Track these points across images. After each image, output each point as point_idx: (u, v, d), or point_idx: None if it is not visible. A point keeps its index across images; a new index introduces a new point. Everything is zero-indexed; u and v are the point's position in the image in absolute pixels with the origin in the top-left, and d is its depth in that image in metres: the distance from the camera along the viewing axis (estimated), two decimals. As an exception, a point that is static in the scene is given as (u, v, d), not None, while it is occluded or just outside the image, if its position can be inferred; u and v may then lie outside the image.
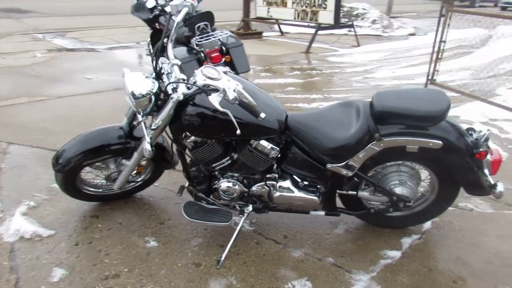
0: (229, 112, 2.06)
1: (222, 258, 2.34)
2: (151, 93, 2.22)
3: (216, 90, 2.02)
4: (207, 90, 2.03)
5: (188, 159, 2.51)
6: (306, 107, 4.87)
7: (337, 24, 8.15)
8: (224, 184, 2.43)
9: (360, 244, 2.53)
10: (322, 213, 2.50)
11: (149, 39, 5.97)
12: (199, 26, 4.62)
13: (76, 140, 2.53)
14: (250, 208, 2.47)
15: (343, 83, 5.96)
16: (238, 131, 2.13)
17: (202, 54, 4.47)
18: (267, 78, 6.03)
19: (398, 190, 2.38)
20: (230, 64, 4.62)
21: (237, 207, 2.49)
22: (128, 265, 2.31)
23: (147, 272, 2.26)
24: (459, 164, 2.23)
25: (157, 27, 5.81)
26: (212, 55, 4.49)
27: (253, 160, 2.34)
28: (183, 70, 2.34)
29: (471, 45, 8.82)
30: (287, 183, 2.40)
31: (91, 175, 2.75)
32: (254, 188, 2.46)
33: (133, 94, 2.18)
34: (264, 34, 9.63)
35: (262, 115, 1.99)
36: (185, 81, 2.15)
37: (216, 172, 2.47)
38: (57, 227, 2.62)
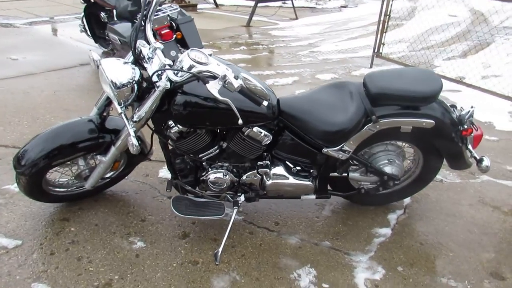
0: (229, 101, 1.91)
1: (219, 253, 2.22)
2: (133, 82, 1.98)
3: (213, 77, 1.85)
4: (203, 77, 1.85)
5: (170, 151, 2.31)
6: (262, 85, 4.77)
7: (275, -3, 8.07)
8: (213, 175, 2.29)
9: (350, 224, 2.55)
10: (313, 196, 2.47)
11: (82, 14, 5.46)
12: (145, 0, 4.26)
13: (41, 138, 2.22)
14: (242, 198, 2.36)
15: (291, 57, 5.93)
16: (240, 121, 1.99)
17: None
18: (214, 54, 5.79)
19: (388, 169, 2.41)
20: (181, 41, 4.36)
21: (229, 197, 2.37)
22: (117, 271, 2.11)
23: (141, 277, 2.08)
24: (447, 141, 2.30)
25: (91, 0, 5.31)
26: (162, 32, 4.21)
27: (245, 148, 2.22)
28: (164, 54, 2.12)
29: (399, 17, 9.19)
30: (280, 170, 2.33)
31: (57, 174, 2.45)
32: (245, 177, 2.35)
33: (113, 83, 1.93)
34: (199, 6, 9.23)
35: (265, 102, 1.86)
36: (176, 68, 1.94)
37: (204, 163, 2.31)
38: (22, 235, 2.32)
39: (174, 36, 4.35)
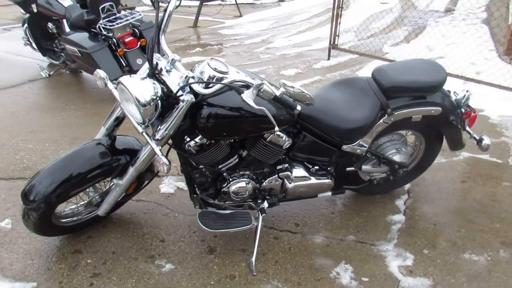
0: (265, 109, 1.88)
1: (253, 263, 2.19)
2: (157, 98, 1.88)
3: (245, 86, 1.82)
4: (237, 87, 1.80)
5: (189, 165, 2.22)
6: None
7: (219, -5, 8.00)
8: (235, 185, 2.25)
9: (365, 215, 2.63)
10: (329, 193, 2.51)
11: (26, 26, 5.03)
12: (104, 7, 4.04)
13: (50, 170, 2.03)
14: (265, 204, 2.34)
15: (249, 56, 5.92)
16: (277, 128, 1.97)
17: (114, 40, 3.96)
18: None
19: (397, 157, 2.51)
20: (146, 48, 4.18)
21: (252, 205, 2.34)
22: (156, 299, 2.01)
23: (183, 301, 2.00)
24: (450, 125, 2.44)
25: (35, 9, 4.90)
26: (126, 40, 4.05)
27: (267, 154, 2.20)
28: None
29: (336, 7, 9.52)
30: (301, 172, 2.33)
31: (64, 204, 2.26)
32: (265, 183, 2.32)
33: (139, 101, 1.82)
34: (137, 9, 8.87)
35: (299, 107, 1.86)
36: (204, 79, 1.87)
37: (224, 174, 2.26)
38: (34, 276, 2.12)
39: (139, 43, 4.17)
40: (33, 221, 2.07)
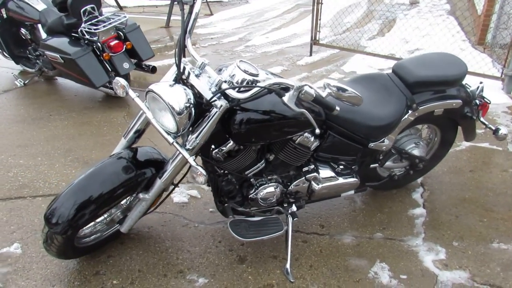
0: (306, 111, 1.82)
1: (289, 269, 2.13)
2: (191, 105, 1.77)
3: (285, 88, 1.74)
4: (277, 90, 1.73)
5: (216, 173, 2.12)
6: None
7: (190, -6, 7.78)
8: (264, 190, 2.17)
9: (387, 211, 2.62)
10: (352, 192, 2.48)
11: (-5, 32, 4.68)
12: (85, 10, 3.83)
13: (73, 190, 1.88)
14: (294, 207, 2.28)
15: (231, 55, 5.82)
16: (318, 130, 1.92)
17: (99, 44, 3.77)
18: (152, 61, 5.43)
19: (416, 151, 2.51)
20: (131, 51, 4.03)
21: (281, 210, 2.27)
22: (196, 317, 1.90)
23: (226, 316, 1.90)
24: (467, 117, 2.46)
25: (4, 15, 4.58)
26: (111, 43, 3.86)
27: (295, 157, 2.14)
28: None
29: (305, 3, 9.56)
30: (328, 172, 2.29)
31: (85, 224, 2.10)
32: (292, 186, 2.26)
33: (174, 109, 1.71)
34: (104, 10, 8.52)
35: (338, 107, 1.80)
36: (234, 83, 1.78)
37: (252, 179, 2.18)
38: (59, 304, 1.96)
39: (124, 46, 3.99)
40: (57, 245, 1.91)
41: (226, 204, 2.13)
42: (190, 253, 2.27)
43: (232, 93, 1.77)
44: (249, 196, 2.18)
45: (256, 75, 1.85)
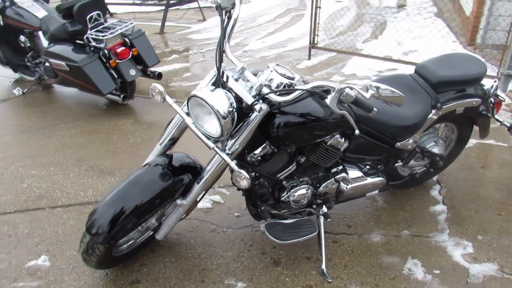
0: (346, 113, 1.86)
1: (325, 270, 2.15)
2: (234, 109, 1.79)
3: (326, 91, 1.78)
4: (320, 92, 1.76)
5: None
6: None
7: (183, 0, 7.78)
8: (296, 192, 2.19)
9: (408, 209, 2.67)
10: (377, 192, 2.52)
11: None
12: (91, 17, 3.80)
13: (114, 199, 1.87)
14: (325, 209, 2.30)
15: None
16: (357, 131, 1.96)
17: (106, 51, 3.74)
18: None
19: (436, 150, 2.58)
20: (137, 57, 4.01)
21: (312, 211, 2.29)
22: (240, 321, 1.90)
23: (270, 318, 1.91)
24: (484, 115, 2.54)
25: (1, 22, 4.49)
26: (118, 50, 3.85)
27: (326, 158, 2.17)
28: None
29: (296, 8, 9.66)
30: (356, 173, 2.32)
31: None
32: (321, 187, 2.29)
33: (220, 113, 1.72)
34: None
35: (375, 109, 1.84)
36: (273, 87, 1.81)
37: (284, 182, 2.19)
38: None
39: (131, 53, 3.97)
40: (98, 255, 1.89)
41: (262, 208, 2.13)
42: (224, 258, 2.27)
43: (274, 96, 1.79)
44: (281, 199, 2.19)
45: (293, 78, 1.88)
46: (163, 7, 8.20)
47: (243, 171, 1.78)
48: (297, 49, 6.30)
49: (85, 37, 3.81)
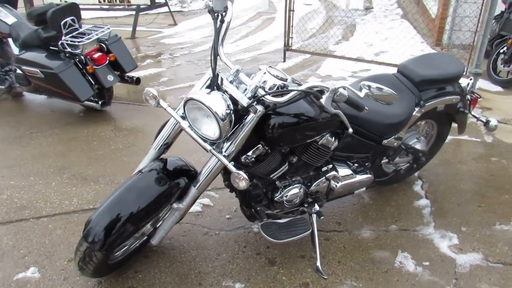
0: (340, 112, 1.91)
1: (320, 267, 2.19)
2: (231, 110, 1.80)
3: (320, 91, 1.82)
4: (315, 92, 1.80)
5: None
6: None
7: (153, 5, 7.70)
8: (289, 192, 2.22)
9: (394, 204, 2.76)
10: (364, 189, 2.58)
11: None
12: (65, 23, 3.72)
13: (110, 206, 1.83)
14: (317, 207, 2.34)
15: (205, 64, 5.83)
16: (350, 130, 2.02)
17: (82, 57, 3.68)
18: (126, 73, 5.33)
19: (418, 146, 2.67)
20: (114, 63, 3.95)
21: (306, 210, 2.33)
22: (241, 321, 1.91)
23: (271, 317, 1.93)
24: (462, 111, 2.66)
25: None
26: (95, 56, 3.79)
27: (317, 157, 2.21)
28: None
29: (266, 11, 9.76)
30: (346, 170, 2.38)
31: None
32: (313, 186, 2.33)
33: (218, 115, 1.73)
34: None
35: (367, 107, 1.91)
36: (267, 89, 1.84)
37: (277, 182, 2.22)
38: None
39: (108, 58, 3.90)
40: (95, 262, 1.85)
41: (258, 208, 2.15)
42: (219, 260, 2.27)
43: (269, 98, 1.81)
44: (275, 199, 2.22)
45: (286, 80, 1.92)
46: (132, 12, 8.14)
47: (241, 172, 1.79)
48: (272, 52, 6.37)
49: (59, 43, 3.72)
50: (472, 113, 2.75)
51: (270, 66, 1.95)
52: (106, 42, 3.94)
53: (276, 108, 1.87)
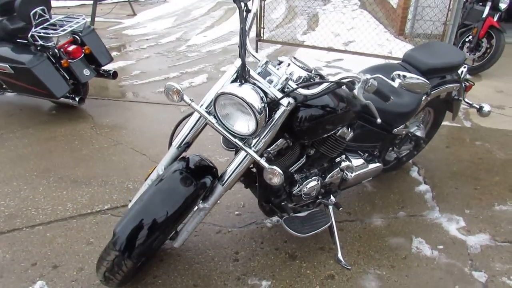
0: (370, 102, 1.91)
1: (342, 259, 2.20)
2: (265, 103, 1.74)
3: (351, 81, 1.80)
4: (348, 83, 1.78)
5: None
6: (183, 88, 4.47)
7: (110, -7, 7.35)
8: (308, 184, 2.20)
9: (396, 191, 2.82)
10: (371, 177, 2.62)
11: None
12: (35, 13, 3.43)
13: (139, 212, 1.71)
14: (333, 198, 2.34)
15: (176, 55, 5.63)
16: (379, 120, 2.02)
17: (56, 50, 3.43)
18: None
19: (419, 133, 2.74)
20: (89, 56, 3.72)
21: (325, 202, 2.32)
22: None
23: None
24: (458, 98, 2.75)
25: None
26: (69, 49, 3.55)
27: (334, 148, 2.20)
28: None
29: (226, 1, 9.60)
30: (359, 160, 2.39)
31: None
32: (327, 178, 2.32)
33: (255, 108, 1.66)
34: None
35: (392, 97, 1.91)
36: (307, 82, 1.79)
37: (295, 175, 2.19)
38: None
39: (83, 51, 3.66)
40: (125, 271, 1.73)
41: (283, 203, 2.11)
42: (238, 258, 2.21)
43: (300, 90, 1.76)
44: (293, 192, 2.19)
45: (310, 71, 1.88)
46: (85, 2, 7.73)
47: (275, 167, 1.74)
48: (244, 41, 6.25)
49: (29, 35, 3.43)
50: (466, 100, 2.85)
51: (294, 57, 1.90)
52: (80, 33, 3.68)
53: (307, 101, 1.82)
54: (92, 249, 2.24)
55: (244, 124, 1.73)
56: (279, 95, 1.75)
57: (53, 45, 3.47)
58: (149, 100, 4.15)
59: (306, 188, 2.17)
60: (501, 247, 2.32)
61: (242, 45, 1.79)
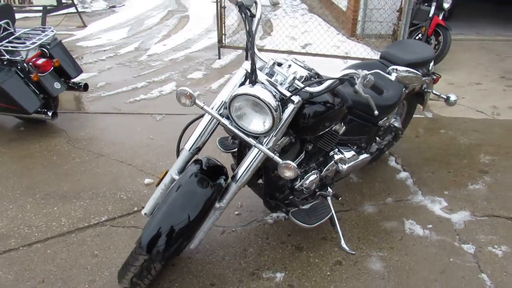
0: (369, 97, 2.05)
1: (345, 245, 2.34)
2: (279, 102, 1.84)
3: (351, 77, 1.94)
4: (350, 80, 1.92)
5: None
6: (153, 97, 4.46)
7: (60, 5, 7.08)
8: (308, 179, 2.31)
9: (380, 180, 3.01)
10: (359, 168, 2.78)
11: None
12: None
13: (163, 216, 1.74)
14: (330, 190, 2.47)
15: (139, 65, 5.56)
16: (376, 112, 2.16)
17: (25, 64, 3.34)
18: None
19: (397, 124, 2.96)
20: (59, 68, 3.64)
21: (324, 194, 2.44)
22: (298, 307, 1.97)
23: (323, 298, 2.02)
24: (426, 90, 2.99)
25: None
26: (38, 62, 3.48)
27: (329, 143, 2.34)
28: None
29: (176, 9, 9.59)
30: (350, 153, 2.54)
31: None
32: (324, 171, 2.46)
33: (272, 106, 1.75)
34: None
35: (385, 90, 2.08)
36: (312, 81, 1.91)
37: (297, 171, 2.30)
38: None
39: (53, 64, 3.56)
40: (153, 275, 1.76)
41: (290, 197, 2.20)
42: (247, 255, 2.28)
43: (308, 88, 1.88)
44: (295, 187, 2.29)
45: (311, 70, 2.00)
46: (31, 14, 7.45)
47: (290, 161, 1.83)
48: (202, 50, 6.33)
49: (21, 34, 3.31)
50: (434, 91, 3.10)
51: (295, 58, 2.01)
52: (48, 46, 3.58)
53: (313, 98, 1.94)
54: (99, 260, 2.21)
55: (259, 123, 1.80)
56: (288, 93, 1.85)
57: (22, 59, 3.35)
58: (121, 110, 4.09)
59: (307, 182, 2.28)
60: (482, 221, 2.56)
61: (250, 48, 1.87)
